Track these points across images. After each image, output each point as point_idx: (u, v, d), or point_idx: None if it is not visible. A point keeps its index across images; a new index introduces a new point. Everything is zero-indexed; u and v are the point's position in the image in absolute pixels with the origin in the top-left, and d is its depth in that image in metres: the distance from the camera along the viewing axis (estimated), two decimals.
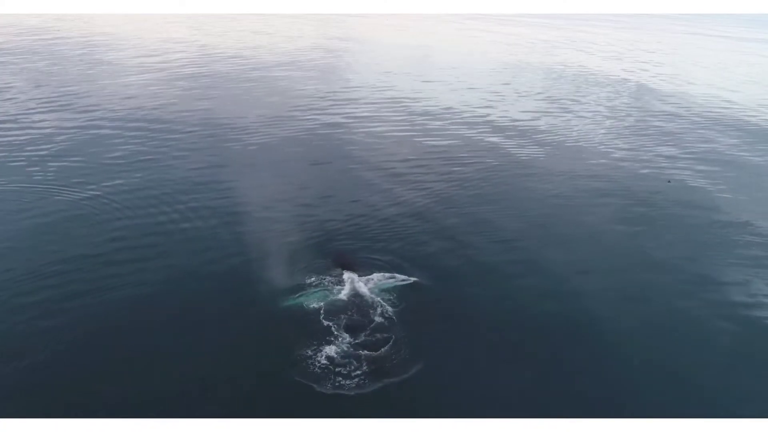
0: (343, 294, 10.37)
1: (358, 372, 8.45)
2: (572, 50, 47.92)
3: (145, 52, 33.82)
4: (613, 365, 9.33)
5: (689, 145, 22.02)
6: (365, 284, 10.68)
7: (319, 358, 8.68)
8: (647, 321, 10.48)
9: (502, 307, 10.74)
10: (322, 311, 9.83)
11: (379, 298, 10.28)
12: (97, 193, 13.99)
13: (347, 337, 9.20)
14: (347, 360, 8.66)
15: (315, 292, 10.46)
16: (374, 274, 11.04)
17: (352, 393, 8.07)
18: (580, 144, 21.23)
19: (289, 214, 13.75)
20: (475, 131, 21.94)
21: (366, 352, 8.86)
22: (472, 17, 71.89)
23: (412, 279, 11.00)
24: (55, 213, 12.91)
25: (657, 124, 24.98)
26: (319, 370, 8.44)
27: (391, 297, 10.36)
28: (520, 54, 44.14)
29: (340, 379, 8.31)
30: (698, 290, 11.50)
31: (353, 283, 10.62)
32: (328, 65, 34.71)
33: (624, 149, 20.90)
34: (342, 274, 10.97)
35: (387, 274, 11.09)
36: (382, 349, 8.97)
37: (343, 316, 9.74)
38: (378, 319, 9.75)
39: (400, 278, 10.98)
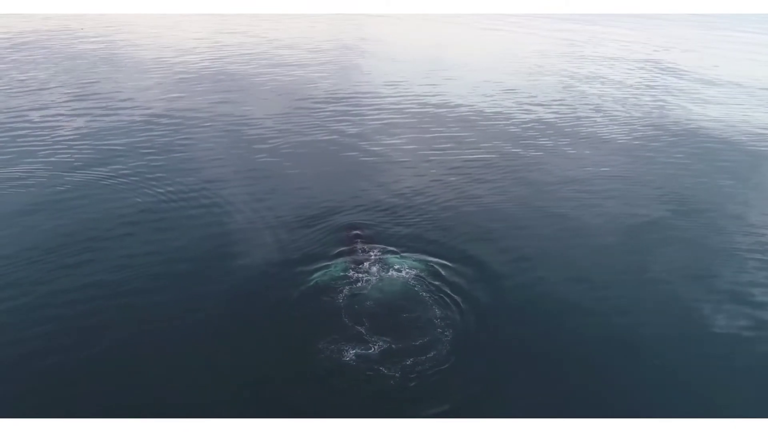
0: (363, 275, 10.43)
1: (378, 366, 8.26)
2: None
3: (162, 49, 33.99)
4: (631, 368, 9.24)
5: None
6: (383, 263, 10.85)
7: (337, 350, 8.51)
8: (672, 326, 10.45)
9: (532, 301, 10.70)
10: (340, 295, 9.85)
11: (403, 279, 10.42)
12: (112, 182, 14.27)
13: (367, 326, 9.06)
14: (368, 354, 8.54)
15: (332, 271, 10.56)
16: (390, 254, 11.22)
17: (373, 390, 7.95)
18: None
19: (309, 201, 14.02)
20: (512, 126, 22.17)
21: (386, 341, 8.74)
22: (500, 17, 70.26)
23: (431, 261, 11.14)
24: (68, 200, 13.14)
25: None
26: (337, 364, 8.29)
27: (412, 278, 10.48)
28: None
29: (360, 374, 8.11)
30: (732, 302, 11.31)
31: (372, 263, 10.81)
32: (369, 61, 35.32)
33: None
34: (360, 252, 11.17)
35: (406, 255, 11.31)
36: (404, 338, 8.85)
37: (362, 301, 9.74)
38: (399, 302, 9.79)
39: (418, 261, 11.12)
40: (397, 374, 8.28)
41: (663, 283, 11.72)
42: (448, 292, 10.31)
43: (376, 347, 8.71)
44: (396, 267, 10.87)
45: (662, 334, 10.12)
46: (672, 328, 10.33)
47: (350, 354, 8.57)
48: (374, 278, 10.42)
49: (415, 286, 10.36)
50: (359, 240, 11.79)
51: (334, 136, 19.36)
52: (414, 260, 11.25)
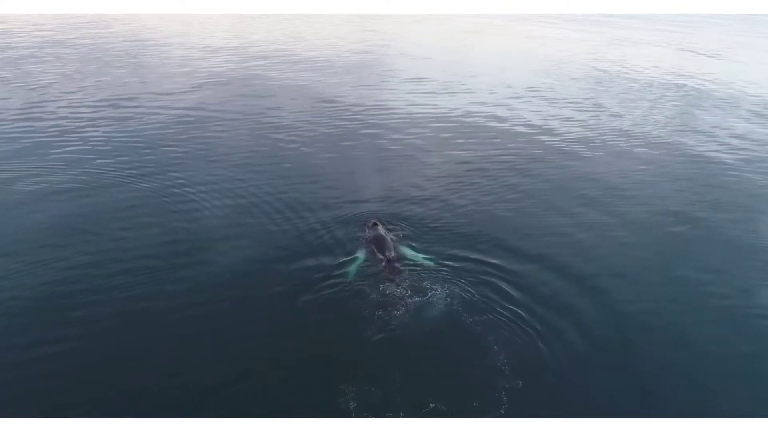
0: (395, 288, 8.61)
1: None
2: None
3: (188, 47, 32.79)
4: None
5: None
6: (415, 270, 9.11)
7: (357, 396, 6.69)
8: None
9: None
10: (366, 308, 8.16)
11: (442, 294, 8.52)
12: (131, 174, 13.26)
13: (398, 364, 7.20)
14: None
15: (356, 273, 9.04)
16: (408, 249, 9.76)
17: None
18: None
19: (337, 198, 12.46)
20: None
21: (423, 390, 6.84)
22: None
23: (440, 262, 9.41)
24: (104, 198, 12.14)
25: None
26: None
27: (453, 293, 8.54)
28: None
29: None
30: None
31: (404, 270, 9.07)
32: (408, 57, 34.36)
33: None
34: (388, 255, 9.42)
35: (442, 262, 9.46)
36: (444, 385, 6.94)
37: (392, 325, 7.96)
38: (438, 326, 7.95)
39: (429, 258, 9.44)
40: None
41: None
42: (499, 310, 8.25)
43: (408, 399, 6.67)
44: (431, 278, 8.76)
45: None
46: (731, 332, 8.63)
47: (374, 405, 6.56)
48: (407, 292, 8.40)
49: (456, 306, 8.18)
50: (388, 240, 9.87)
51: (364, 132, 17.90)
52: (450, 266, 9.25)
